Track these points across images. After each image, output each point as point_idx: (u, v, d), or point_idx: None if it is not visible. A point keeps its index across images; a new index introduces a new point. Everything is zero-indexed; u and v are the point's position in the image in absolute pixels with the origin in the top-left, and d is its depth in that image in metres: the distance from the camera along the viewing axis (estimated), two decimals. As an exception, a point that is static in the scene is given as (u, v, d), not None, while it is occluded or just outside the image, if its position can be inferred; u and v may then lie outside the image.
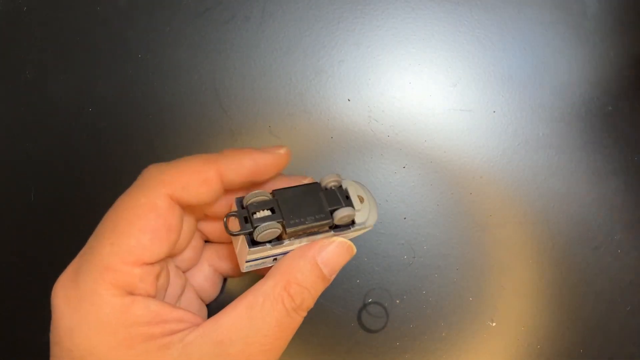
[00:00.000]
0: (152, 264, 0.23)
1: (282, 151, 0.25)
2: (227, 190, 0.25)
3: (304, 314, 0.25)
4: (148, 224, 0.23)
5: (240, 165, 0.24)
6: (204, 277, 0.30)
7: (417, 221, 0.33)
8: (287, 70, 0.34)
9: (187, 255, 0.29)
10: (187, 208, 0.25)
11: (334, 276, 0.25)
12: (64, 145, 0.35)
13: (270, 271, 0.25)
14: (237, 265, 0.28)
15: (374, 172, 0.34)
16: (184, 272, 0.29)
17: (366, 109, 0.34)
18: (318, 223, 0.24)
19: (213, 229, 0.29)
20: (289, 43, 0.35)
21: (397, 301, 0.33)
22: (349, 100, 0.34)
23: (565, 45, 0.34)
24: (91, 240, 0.24)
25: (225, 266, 0.30)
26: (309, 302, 0.25)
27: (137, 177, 0.25)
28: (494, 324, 0.32)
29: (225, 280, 0.32)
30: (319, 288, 0.25)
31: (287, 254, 0.25)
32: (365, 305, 0.33)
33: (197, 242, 0.29)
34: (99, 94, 0.35)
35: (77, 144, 0.35)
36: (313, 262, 0.24)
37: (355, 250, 0.26)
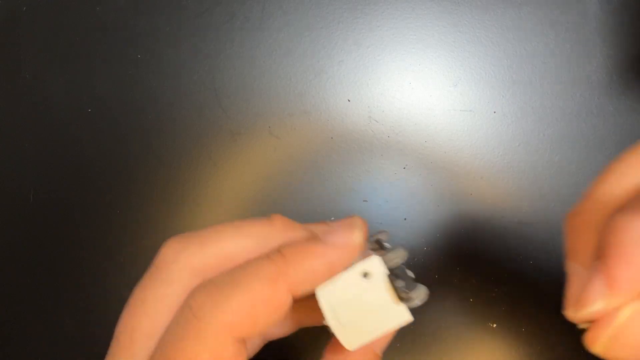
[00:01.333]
0: None
1: (356, 236, 0.20)
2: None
3: None
4: None
5: (313, 274, 0.19)
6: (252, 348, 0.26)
7: (417, 222, 0.33)
8: (287, 71, 0.34)
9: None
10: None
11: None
12: (62, 146, 0.34)
13: None
14: (288, 326, 0.24)
15: (374, 173, 0.34)
16: None
17: (366, 109, 0.34)
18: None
19: None
20: (288, 43, 0.34)
21: (398, 302, 0.33)
22: (349, 100, 0.34)
23: (565, 45, 0.34)
24: None
25: (278, 331, 0.26)
26: None
27: (180, 305, 0.19)
28: (494, 326, 0.32)
29: None
30: None
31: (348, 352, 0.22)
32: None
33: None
34: (98, 95, 0.35)
35: (75, 145, 0.34)
36: (373, 354, 0.22)
37: None
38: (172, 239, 0.21)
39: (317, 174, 0.34)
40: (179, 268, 0.20)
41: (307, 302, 0.25)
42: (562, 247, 0.33)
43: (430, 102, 0.34)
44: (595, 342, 0.17)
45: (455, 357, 0.32)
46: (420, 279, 0.33)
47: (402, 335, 0.32)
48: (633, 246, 0.17)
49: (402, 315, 0.20)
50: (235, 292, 0.18)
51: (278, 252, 0.19)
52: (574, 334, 0.32)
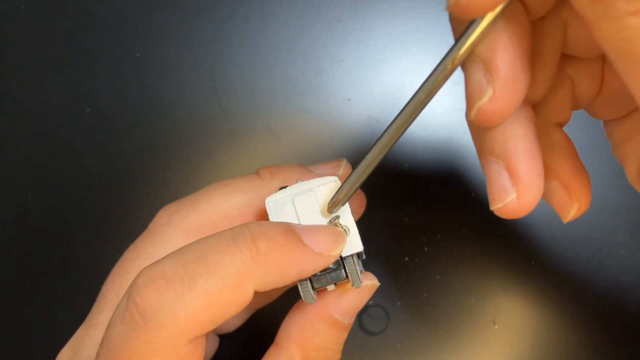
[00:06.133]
0: None
1: (338, 249, 0.19)
2: None
3: None
4: None
5: (283, 277, 0.18)
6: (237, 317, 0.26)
7: (418, 222, 0.33)
8: (287, 70, 0.34)
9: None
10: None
11: (354, 317, 0.21)
12: (61, 145, 0.34)
13: (278, 337, 0.20)
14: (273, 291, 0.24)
15: (375, 173, 0.33)
16: None
17: (367, 108, 0.34)
18: None
19: None
20: (288, 42, 0.34)
21: (398, 303, 0.32)
22: (349, 100, 0.34)
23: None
24: None
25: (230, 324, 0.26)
26: (336, 358, 0.21)
27: (130, 306, 0.17)
28: (496, 326, 0.32)
29: None
30: (341, 340, 0.21)
31: (296, 312, 0.21)
32: (366, 308, 0.32)
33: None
34: (96, 94, 0.35)
35: (74, 144, 0.34)
36: (329, 318, 0.20)
37: (378, 283, 0.22)
38: (167, 205, 0.21)
39: (317, 173, 0.33)
40: (173, 229, 0.20)
41: None
42: (564, 247, 0.33)
43: (432, 101, 0.34)
44: None
45: (456, 358, 0.32)
46: (420, 279, 0.33)
47: (403, 336, 0.32)
48: None
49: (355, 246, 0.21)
50: (192, 293, 0.16)
51: (251, 242, 0.17)
52: (576, 334, 0.32)
